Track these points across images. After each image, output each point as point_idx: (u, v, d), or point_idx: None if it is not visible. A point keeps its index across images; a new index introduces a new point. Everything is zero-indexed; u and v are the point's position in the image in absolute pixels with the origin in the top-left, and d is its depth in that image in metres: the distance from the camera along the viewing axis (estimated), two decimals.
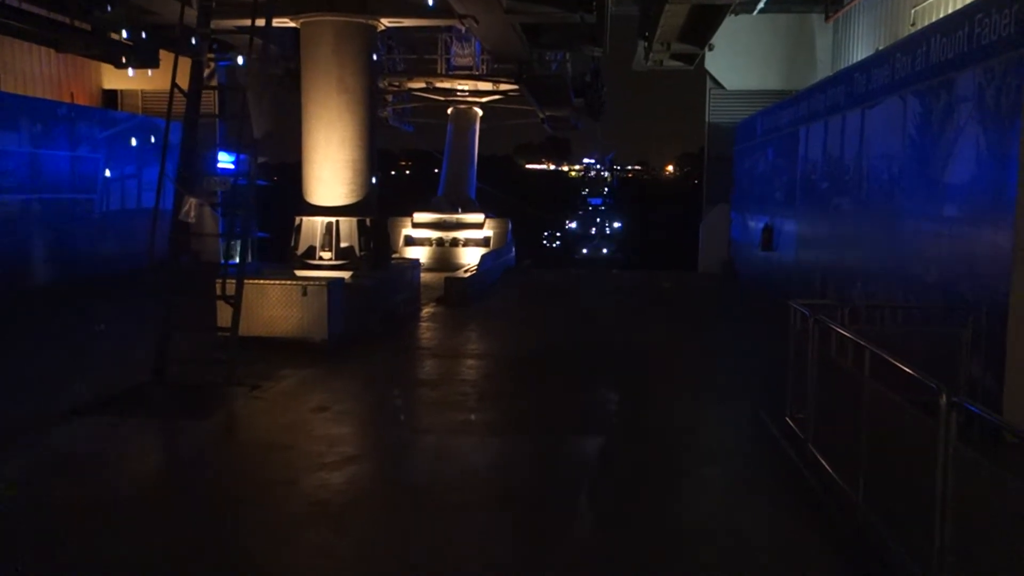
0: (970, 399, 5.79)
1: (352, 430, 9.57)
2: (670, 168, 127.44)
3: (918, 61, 11.89)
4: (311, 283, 13.87)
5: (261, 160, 37.91)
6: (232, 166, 35.19)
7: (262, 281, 13.79)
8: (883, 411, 6.46)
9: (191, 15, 12.55)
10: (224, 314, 11.92)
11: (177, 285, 11.41)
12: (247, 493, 7.54)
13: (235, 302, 11.33)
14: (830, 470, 7.52)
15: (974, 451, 5.07)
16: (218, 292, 12.05)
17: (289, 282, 13.91)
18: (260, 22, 11.88)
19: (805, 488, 7.74)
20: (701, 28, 19.00)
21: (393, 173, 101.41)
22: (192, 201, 10.99)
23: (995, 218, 9.37)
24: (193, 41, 12.13)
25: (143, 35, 19.12)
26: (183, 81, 11.65)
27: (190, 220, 11.07)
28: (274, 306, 13.77)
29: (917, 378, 5.76)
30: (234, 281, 13.29)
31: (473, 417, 10.15)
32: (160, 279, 11.35)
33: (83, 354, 13.52)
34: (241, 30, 12.55)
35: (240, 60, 20.09)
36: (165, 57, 22.29)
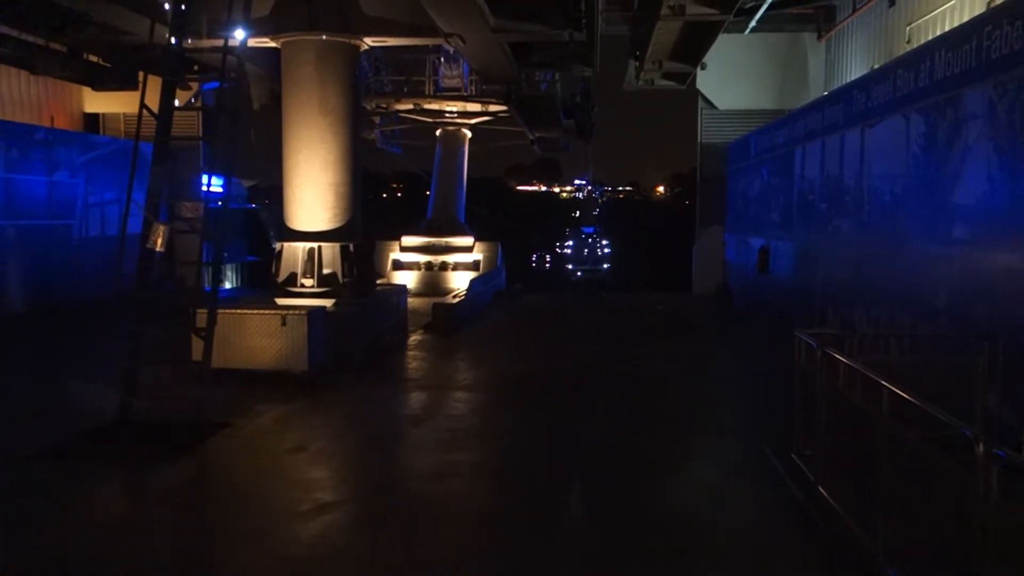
0: (1000, 442, 5.25)
1: (329, 473, 8.93)
2: (660, 189, 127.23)
3: (921, 77, 11.41)
4: (290, 312, 13.26)
5: (250, 184, 37.59)
6: (222, 189, 35.00)
7: (239, 311, 13.18)
8: (904, 454, 5.90)
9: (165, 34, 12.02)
10: (198, 346, 11.29)
11: (145, 316, 10.77)
12: (210, 550, 6.90)
13: (206, 334, 10.69)
14: (846, 517, 6.92)
15: (1011, 501, 4.51)
16: (194, 323, 11.44)
17: (267, 311, 13.29)
18: (234, 42, 11.37)
19: (815, 534, 7.13)
20: (693, 46, 18.55)
21: (385, 196, 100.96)
22: (161, 228, 10.38)
23: (1012, 240, 8.84)
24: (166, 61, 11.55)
25: (118, 56, 18.56)
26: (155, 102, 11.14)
27: (158, 249, 10.46)
28: (252, 337, 13.14)
29: (933, 412, 5.25)
30: (219, 311, 12.82)
31: (459, 459, 9.50)
32: (126, 310, 10.70)
33: (49, 388, 12.83)
34: (216, 50, 11.97)
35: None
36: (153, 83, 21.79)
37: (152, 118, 11.15)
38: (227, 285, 36.23)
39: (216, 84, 28.33)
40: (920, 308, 11.09)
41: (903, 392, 5.77)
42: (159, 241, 10.34)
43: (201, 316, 11.22)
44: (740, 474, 9.04)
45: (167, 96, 11.31)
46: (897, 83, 12.35)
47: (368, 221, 16.64)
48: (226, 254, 34.23)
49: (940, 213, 10.66)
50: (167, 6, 12.72)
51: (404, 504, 8.01)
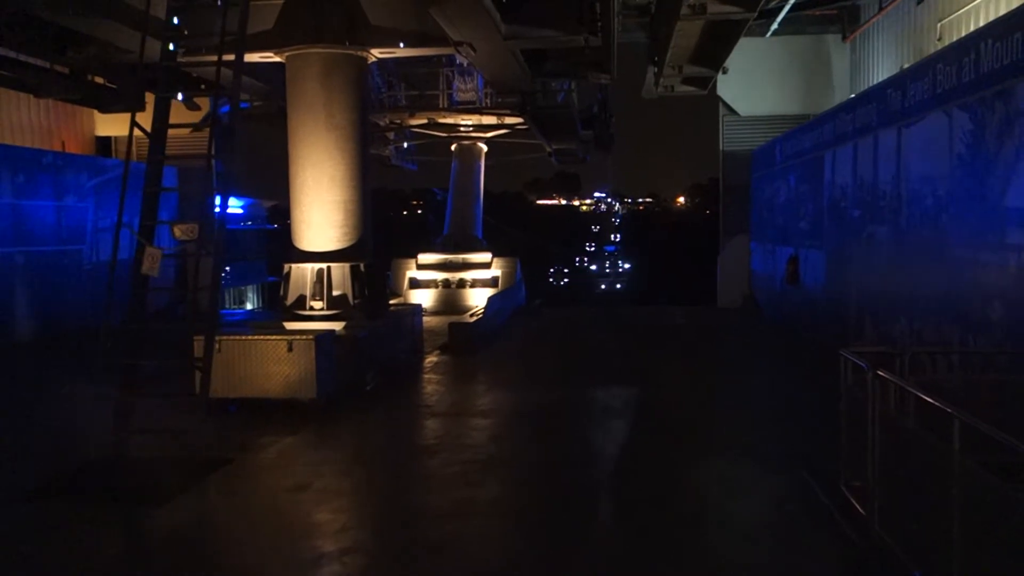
0: None
1: (333, 516, 8.18)
2: (681, 200, 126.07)
3: (965, 71, 10.60)
4: (297, 337, 12.57)
5: (271, 204, 37.12)
6: (241, 210, 34.57)
7: (241, 337, 12.53)
8: (978, 494, 5.12)
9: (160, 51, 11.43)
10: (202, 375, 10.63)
11: (139, 347, 10.13)
12: None
13: (203, 364, 10.02)
14: (908, 562, 6.10)
15: None
16: (192, 351, 10.81)
17: (272, 337, 12.62)
18: (229, 56, 10.77)
19: None
20: (715, 49, 17.81)
21: (405, 213, 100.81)
22: (154, 252, 9.76)
23: None
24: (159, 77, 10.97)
25: (121, 76, 18.08)
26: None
27: (152, 274, 9.83)
28: (257, 364, 12.45)
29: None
30: (222, 337, 12.19)
31: (477, 495, 8.73)
32: (116, 343, 10.06)
33: (48, 420, 12.21)
34: (217, 65, 11.39)
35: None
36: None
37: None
38: (248, 306, 35.89)
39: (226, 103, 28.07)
40: (971, 321, 10.24)
41: (980, 424, 4.98)
42: (152, 266, 9.70)
43: (199, 344, 10.58)
44: (783, 510, 8.21)
45: (161, 113, 10.72)
46: (937, 79, 11.55)
47: (385, 239, 15.95)
48: (225, 273, 34.03)
49: (990, 217, 9.82)
50: (175, 20, 12.16)
51: (414, 552, 7.26)
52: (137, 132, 10.78)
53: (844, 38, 26.75)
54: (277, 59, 15.23)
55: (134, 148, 30.02)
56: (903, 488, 6.48)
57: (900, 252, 12.98)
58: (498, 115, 25.76)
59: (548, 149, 31.13)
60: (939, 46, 17.36)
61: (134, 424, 9.97)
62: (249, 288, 35.92)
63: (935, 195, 11.59)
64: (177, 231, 10.03)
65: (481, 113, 25.93)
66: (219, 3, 10.98)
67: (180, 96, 18.26)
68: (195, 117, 19.89)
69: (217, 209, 11.23)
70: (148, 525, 8.09)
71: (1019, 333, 9.02)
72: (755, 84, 27.41)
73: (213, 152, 10.50)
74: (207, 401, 10.16)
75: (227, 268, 33.08)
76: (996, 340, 9.60)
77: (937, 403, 5.49)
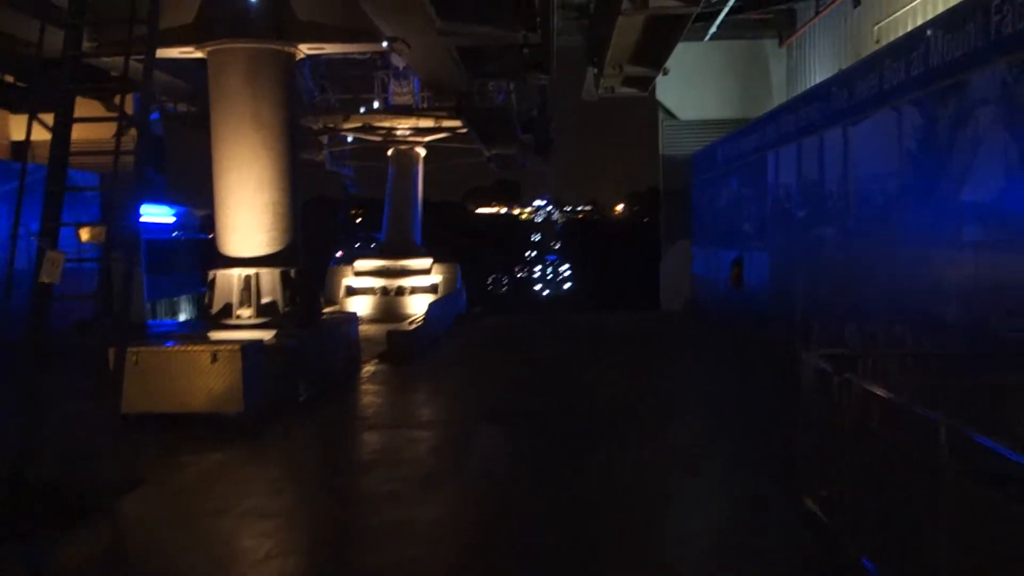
0: None
1: (256, 543, 7.43)
2: (619, 208, 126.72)
3: (915, 66, 10.34)
4: (221, 347, 11.76)
5: (203, 213, 35.81)
6: (174, 219, 33.17)
7: (161, 348, 11.68)
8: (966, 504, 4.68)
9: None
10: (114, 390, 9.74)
11: (42, 361, 9.22)
12: None
13: (114, 376, 9.16)
14: None
15: None
16: (107, 364, 9.91)
17: (194, 347, 11.78)
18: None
19: None
20: (656, 47, 17.46)
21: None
22: (55, 257, 8.88)
23: None
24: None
25: (29, 73, 16.97)
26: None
27: (53, 280, 8.94)
28: (178, 376, 11.61)
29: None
30: (138, 348, 11.34)
31: (415, 516, 8.06)
32: (20, 355, 9.14)
33: None
34: (138, 59, 10.57)
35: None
36: (81, 102, 20.22)
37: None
38: (182, 318, 34.48)
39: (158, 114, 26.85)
40: (925, 321, 9.95)
41: (971, 432, 4.53)
42: (54, 272, 8.82)
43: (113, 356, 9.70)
44: (745, 522, 7.73)
45: (64, 108, 9.83)
46: (884, 75, 11.29)
47: (323, 248, 15.18)
48: (162, 284, 32.67)
49: (945, 213, 9.55)
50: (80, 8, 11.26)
51: None
52: (34, 136, 9.94)
53: (780, 43, 26.83)
54: (199, 55, 14.38)
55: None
56: (873, 498, 6.05)
57: (849, 252, 12.72)
58: (436, 118, 25.17)
59: (487, 153, 30.59)
60: (877, 48, 17.30)
61: (36, 445, 9.04)
62: (182, 300, 34.57)
63: (884, 193, 11.34)
64: (84, 234, 9.16)
65: (418, 116, 25.32)
66: None
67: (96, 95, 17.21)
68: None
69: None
70: (47, 557, 7.24)
71: (979, 331, 8.73)
72: (694, 88, 27.33)
73: (122, 150, 9.68)
74: (119, 419, 9.30)
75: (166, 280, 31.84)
76: (952, 339, 9.31)
77: (919, 410, 5.04)
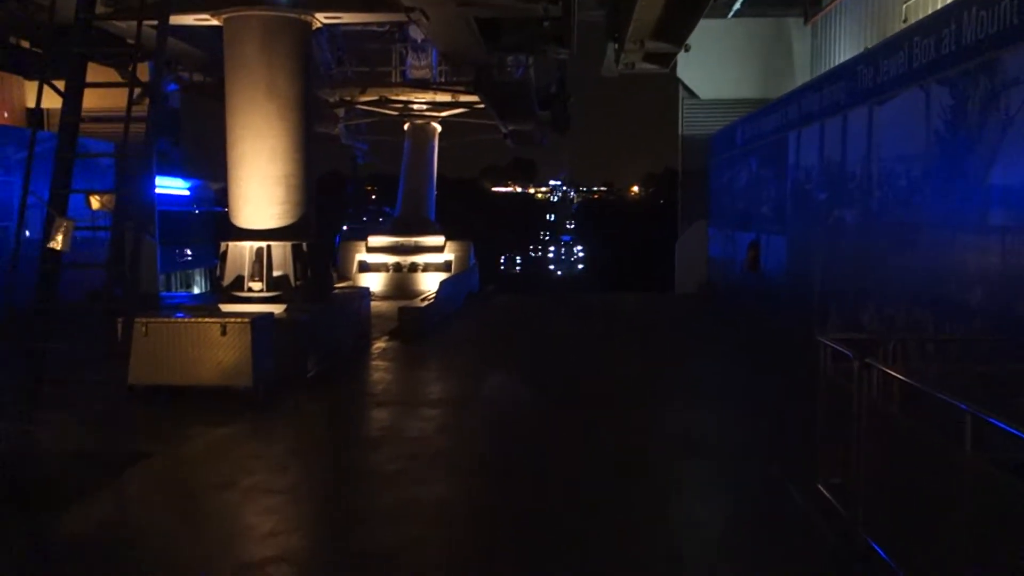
0: None
1: (260, 519, 7.31)
2: (635, 189, 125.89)
3: (944, 44, 10.02)
4: (231, 320, 11.64)
5: (219, 186, 35.75)
6: (188, 192, 33.09)
7: (171, 320, 11.57)
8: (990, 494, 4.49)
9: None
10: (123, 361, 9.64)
11: (50, 329, 9.13)
12: None
13: (122, 348, 9.06)
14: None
15: None
16: (115, 335, 9.80)
17: (204, 320, 11.67)
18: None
19: None
20: (678, 22, 17.11)
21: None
22: (64, 224, 8.76)
23: None
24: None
25: (45, 39, 16.82)
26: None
27: (60, 248, 8.83)
28: (187, 348, 11.52)
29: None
30: (148, 319, 11.23)
31: (422, 495, 7.93)
32: (29, 323, 9.06)
33: None
34: (150, 24, 10.41)
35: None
36: (97, 69, 20.07)
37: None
38: (195, 290, 34.52)
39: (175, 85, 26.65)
40: (949, 306, 9.69)
41: (997, 420, 4.33)
42: (61, 239, 8.70)
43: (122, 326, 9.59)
44: (757, 509, 7.56)
45: (76, 72, 9.69)
46: (913, 52, 10.96)
47: (333, 224, 15.03)
48: (189, 255, 32.70)
49: (972, 197, 9.26)
50: None
51: (350, 562, 6.45)
52: (50, 104, 9.83)
53: (806, 21, 26.32)
54: (214, 22, 14.18)
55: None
56: (891, 487, 5.86)
57: (871, 236, 12.41)
58: (453, 92, 24.89)
59: (503, 130, 30.26)
60: (904, 27, 16.89)
61: (43, 415, 8.97)
62: (196, 272, 34.59)
63: (910, 175, 11.03)
64: (94, 201, 9.08)
65: (435, 90, 25.03)
66: None
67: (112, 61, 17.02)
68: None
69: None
70: (50, 531, 7.15)
71: (1006, 316, 8.47)
72: (716, 67, 26.88)
73: (134, 115, 9.51)
74: (127, 389, 9.22)
75: (188, 252, 31.83)
76: (976, 325, 9.06)
77: (945, 397, 4.83)
